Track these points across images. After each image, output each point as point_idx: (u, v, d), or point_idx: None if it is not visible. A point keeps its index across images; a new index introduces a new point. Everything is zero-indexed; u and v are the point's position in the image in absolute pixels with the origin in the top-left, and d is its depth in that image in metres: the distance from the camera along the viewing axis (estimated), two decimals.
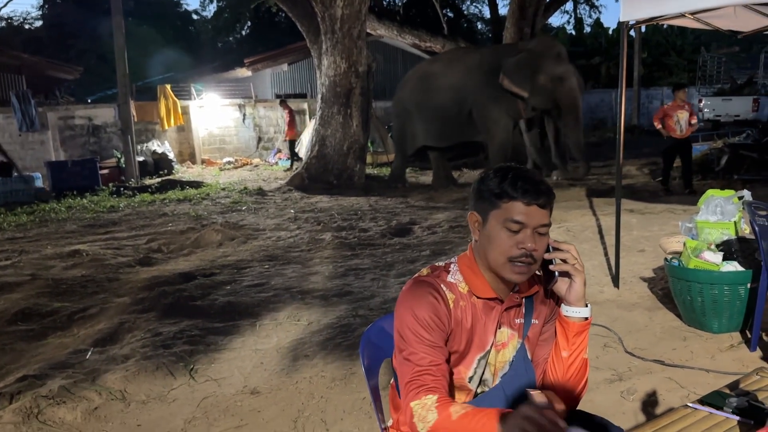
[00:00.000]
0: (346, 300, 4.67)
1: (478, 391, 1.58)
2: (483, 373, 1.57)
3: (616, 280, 4.79)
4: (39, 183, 12.20)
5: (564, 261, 1.48)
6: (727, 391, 1.47)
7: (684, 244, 3.79)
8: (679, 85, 8.83)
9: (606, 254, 5.63)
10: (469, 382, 1.56)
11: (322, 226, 7.58)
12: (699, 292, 3.61)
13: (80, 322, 4.38)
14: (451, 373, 1.53)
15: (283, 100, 16.05)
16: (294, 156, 15.52)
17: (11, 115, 14.24)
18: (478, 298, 1.53)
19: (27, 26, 32.40)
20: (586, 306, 1.53)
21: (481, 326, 1.53)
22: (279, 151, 17.80)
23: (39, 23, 32.71)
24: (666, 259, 3.99)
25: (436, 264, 1.61)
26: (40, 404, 3.04)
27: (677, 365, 3.28)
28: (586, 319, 1.53)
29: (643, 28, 22.54)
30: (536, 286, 1.59)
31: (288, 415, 3.00)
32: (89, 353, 3.77)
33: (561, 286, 1.51)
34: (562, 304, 1.54)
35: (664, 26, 22.19)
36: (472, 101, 10.42)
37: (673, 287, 3.87)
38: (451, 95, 10.52)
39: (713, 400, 1.41)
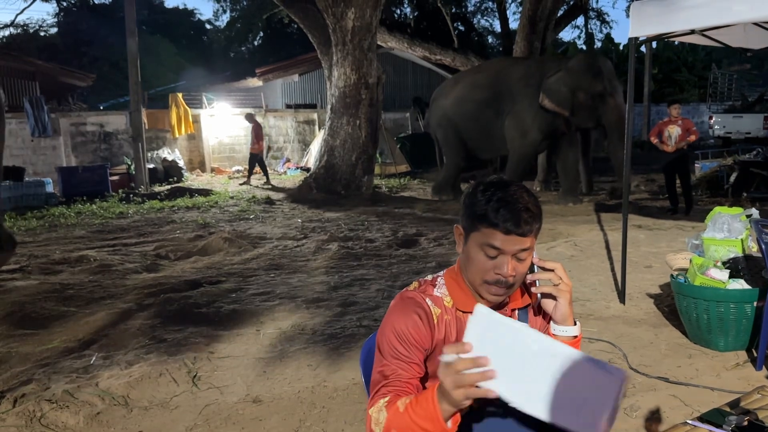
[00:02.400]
0: (350, 310, 4.67)
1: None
2: None
3: (622, 296, 4.76)
4: (50, 188, 12.30)
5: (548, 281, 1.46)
6: (728, 409, 1.46)
7: (690, 261, 3.78)
8: (673, 101, 8.85)
9: (613, 270, 5.61)
10: None
11: (328, 235, 7.60)
12: (705, 310, 3.59)
13: (86, 327, 4.40)
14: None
15: (250, 114, 15.62)
16: (252, 171, 14.83)
17: (24, 121, 14.41)
18: (462, 312, 1.52)
19: (42, 33, 32.76)
20: (575, 324, 1.51)
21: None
22: (288, 160, 17.88)
23: (54, 30, 33.08)
24: (672, 275, 3.97)
25: (426, 278, 1.61)
26: (43, 408, 3.05)
27: (682, 383, 3.26)
28: (575, 337, 1.51)
29: (654, 44, 22.56)
30: (528, 298, 1.58)
31: (289, 424, 3.00)
32: (93, 358, 3.78)
33: (548, 304, 1.50)
34: (551, 322, 1.53)
35: (675, 42, 22.19)
36: (507, 112, 10.41)
37: (679, 304, 3.85)
38: (496, 107, 10.49)
39: (713, 418, 1.40)
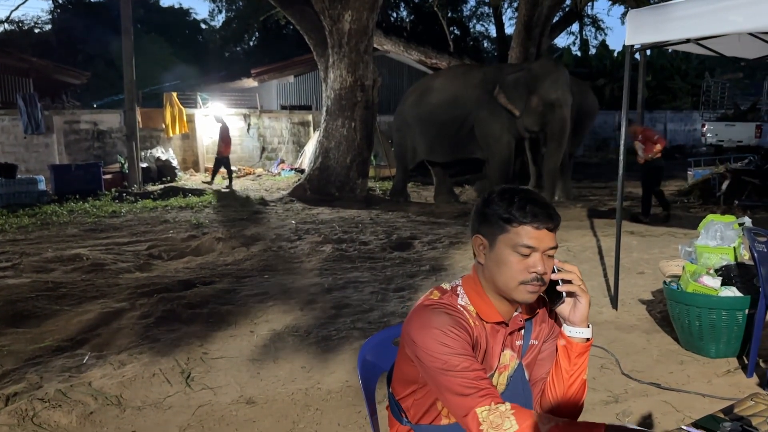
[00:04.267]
0: (344, 312, 4.67)
1: None
2: None
3: (614, 302, 4.79)
4: (42, 186, 12.23)
5: (569, 282, 1.49)
6: (722, 415, 1.47)
7: (683, 268, 3.81)
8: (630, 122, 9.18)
9: (605, 275, 5.64)
10: None
11: (322, 237, 7.59)
12: (697, 317, 3.62)
13: (78, 326, 4.38)
14: None
15: (219, 117, 15.67)
16: (216, 171, 14.78)
17: (17, 118, 14.33)
18: (485, 322, 1.52)
19: (37, 30, 32.64)
20: (588, 326, 1.54)
21: (490, 349, 1.53)
22: (282, 161, 17.86)
23: (48, 27, 32.95)
24: (665, 282, 4.00)
25: (443, 287, 1.58)
26: (36, 407, 3.04)
27: (673, 389, 3.28)
28: (588, 339, 1.54)
29: (648, 52, 22.68)
30: (535, 307, 1.59)
31: (283, 426, 3.00)
32: (86, 357, 3.77)
33: (564, 307, 1.51)
34: (565, 325, 1.54)
35: (669, 50, 22.32)
36: (474, 117, 10.47)
37: (672, 311, 3.88)
38: (453, 111, 10.56)
39: (707, 424, 1.41)
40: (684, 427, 1.43)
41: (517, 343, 1.58)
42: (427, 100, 11.02)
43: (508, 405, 1.33)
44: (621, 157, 4.72)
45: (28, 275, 5.79)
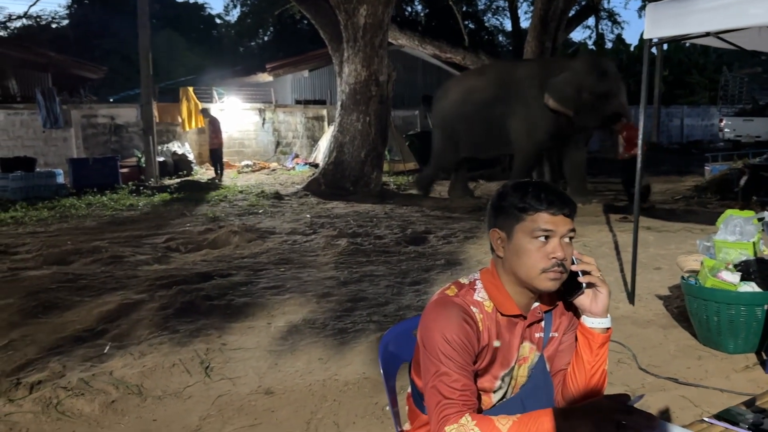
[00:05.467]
0: (360, 305, 4.70)
1: (496, 401, 1.61)
2: (507, 388, 1.60)
3: (631, 297, 4.78)
4: (60, 179, 12.39)
5: (589, 273, 1.50)
6: (743, 407, 1.48)
7: (701, 263, 3.79)
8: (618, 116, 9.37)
9: (622, 270, 5.62)
10: (493, 394, 1.59)
11: (337, 231, 7.63)
12: (715, 312, 3.60)
13: (99, 316, 4.44)
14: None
15: (205, 109, 15.67)
16: (217, 165, 14.86)
17: (36, 112, 14.51)
18: (503, 315, 1.53)
19: (54, 25, 32.94)
20: (608, 316, 1.55)
21: (506, 344, 1.55)
22: (297, 155, 17.93)
23: (66, 22, 33.23)
24: (683, 277, 3.98)
25: (461, 281, 1.60)
26: (60, 395, 3.10)
27: (691, 384, 3.27)
28: (608, 328, 1.56)
29: (665, 46, 22.46)
30: (555, 298, 1.60)
31: (301, 416, 3.03)
32: (107, 347, 3.83)
33: (583, 298, 1.53)
34: (585, 317, 1.55)
35: (687, 44, 22.10)
36: (510, 114, 10.42)
37: (690, 306, 3.86)
38: (497, 109, 10.49)
39: (729, 416, 1.42)
40: (706, 419, 1.44)
41: (537, 335, 1.59)
42: (472, 98, 10.89)
43: (469, 416, 1.36)
44: (639, 152, 4.70)
45: (48, 267, 5.87)
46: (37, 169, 12.63)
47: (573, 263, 1.50)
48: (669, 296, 4.85)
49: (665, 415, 2.92)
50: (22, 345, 3.87)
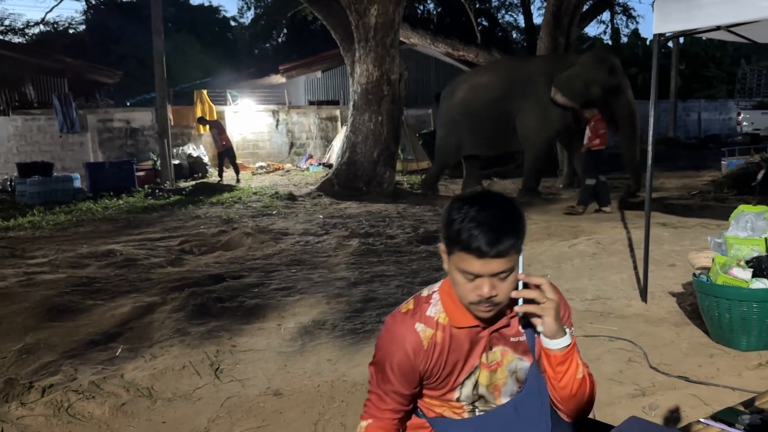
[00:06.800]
0: (370, 306, 4.71)
1: (479, 407, 1.60)
2: (475, 392, 1.58)
3: (644, 294, 4.73)
4: (77, 183, 12.54)
5: (531, 300, 1.45)
6: (742, 408, 1.46)
7: (713, 260, 3.74)
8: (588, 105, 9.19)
9: (635, 267, 5.56)
10: (458, 401, 1.59)
11: (349, 232, 7.64)
12: (727, 309, 3.56)
13: (111, 319, 4.50)
14: (443, 396, 1.59)
15: (201, 117, 15.68)
16: (222, 168, 14.94)
17: (53, 117, 14.71)
18: (458, 328, 1.52)
19: (71, 31, 33.36)
20: (565, 334, 1.49)
21: (464, 353, 1.54)
22: (311, 156, 17.99)
23: (82, 28, 33.64)
24: (694, 274, 3.93)
25: (422, 293, 1.60)
26: (71, 398, 3.14)
27: (702, 382, 3.23)
28: (567, 346, 1.49)
29: (681, 40, 22.21)
30: None
31: (309, 417, 3.04)
32: (119, 350, 3.87)
33: (536, 319, 1.48)
34: (541, 335, 1.50)
35: (704, 38, 21.88)
36: (519, 110, 10.38)
37: (701, 303, 3.82)
38: (503, 106, 10.46)
39: (726, 417, 1.40)
40: (702, 420, 1.42)
41: (515, 339, 1.56)
42: (477, 95, 10.88)
43: (369, 422, 1.57)
44: (650, 148, 4.65)
45: (63, 270, 5.95)
46: (55, 174, 12.79)
47: (519, 287, 1.44)
48: (683, 293, 4.79)
49: (675, 414, 2.90)
50: (36, 349, 3.93)
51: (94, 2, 33.72)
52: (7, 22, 30.21)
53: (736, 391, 3.10)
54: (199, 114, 16.39)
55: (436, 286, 1.60)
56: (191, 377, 3.50)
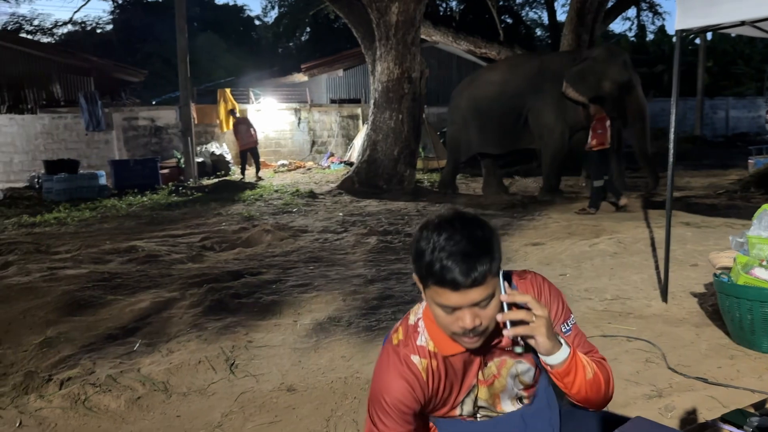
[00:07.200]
0: (386, 303, 4.70)
1: (480, 415, 1.57)
2: (476, 407, 1.55)
3: (664, 294, 4.65)
4: (103, 180, 12.74)
5: (520, 322, 1.36)
6: (751, 410, 1.43)
7: (734, 260, 3.67)
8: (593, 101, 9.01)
9: (657, 267, 5.48)
10: (460, 416, 1.56)
11: (368, 229, 7.65)
12: (748, 310, 3.48)
13: (131, 314, 4.56)
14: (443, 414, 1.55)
15: (232, 110, 15.95)
16: (243, 166, 15.10)
17: (79, 115, 14.96)
18: (447, 356, 1.47)
19: (98, 30, 33.89)
20: (561, 346, 1.41)
21: (459, 375, 1.50)
22: (332, 154, 18.04)
23: (109, 27, 34.16)
24: (715, 274, 3.86)
25: (409, 320, 1.53)
26: (87, 391, 3.19)
27: (721, 384, 3.17)
28: (566, 359, 1.42)
29: (709, 36, 21.82)
30: None
31: (321, 413, 3.05)
32: (137, 345, 3.92)
33: (528, 338, 1.40)
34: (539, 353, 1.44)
35: (732, 35, 21.44)
36: (529, 108, 10.29)
37: (722, 304, 3.74)
38: (510, 102, 10.39)
39: (734, 418, 1.37)
40: (710, 421, 1.39)
41: (509, 348, 1.47)
42: (484, 92, 10.87)
43: None
44: (671, 146, 4.57)
45: (86, 266, 6.04)
46: (80, 171, 13.02)
47: (504, 307, 1.37)
48: (704, 294, 4.70)
49: (691, 416, 2.85)
50: (57, 342, 3.99)
51: (120, 2, 34.23)
52: (36, 22, 30.85)
53: (756, 393, 3.03)
54: (222, 112, 16.54)
55: (420, 311, 1.52)
56: (206, 372, 3.53)
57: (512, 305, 1.37)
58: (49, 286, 5.21)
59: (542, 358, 1.43)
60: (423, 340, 1.47)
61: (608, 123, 8.65)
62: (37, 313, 4.53)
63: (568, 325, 1.55)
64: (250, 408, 3.12)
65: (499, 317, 1.34)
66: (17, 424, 2.94)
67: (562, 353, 1.41)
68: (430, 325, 1.46)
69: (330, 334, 4.12)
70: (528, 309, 1.36)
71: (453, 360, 1.47)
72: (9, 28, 29.10)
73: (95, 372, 3.45)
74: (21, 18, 30.49)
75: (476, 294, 1.28)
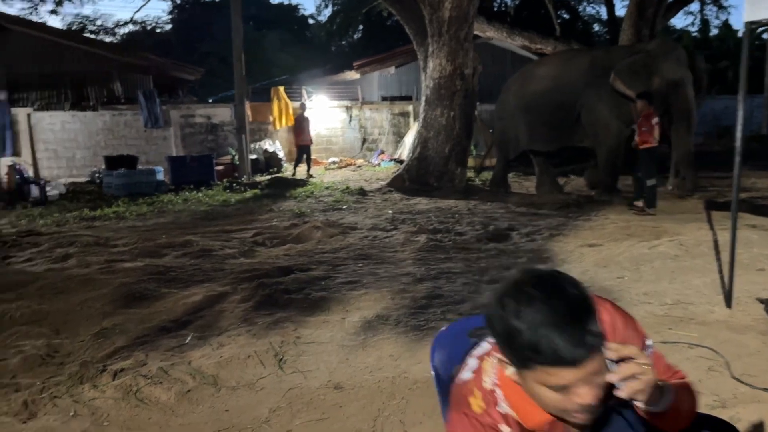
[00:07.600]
0: (435, 303, 4.64)
1: None
2: None
3: (728, 300, 4.43)
4: (160, 176, 13.08)
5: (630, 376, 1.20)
6: None
7: None
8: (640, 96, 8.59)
9: (720, 271, 5.23)
10: None
11: (417, 227, 7.59)
12: None
13: (184, 308, 4.63)
14: None
15: (303, 104, 16.11)
16: (298, 163, 15.17)
17: (138, 113, 15.41)
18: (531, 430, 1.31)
19: (158, 30, 34.89)
20: (665, 393, 1.27)
21: None
22: (382, 152, 18.04)
23: (169, 27, 35.13)
24: None
25: (482, 383, 1.36)
26: (139, 383, 3.24)
27: None
28: (670, 401, 1.29)
29: None
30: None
31: (368, 413, 3.02)
32: (189, 338, 3.98)
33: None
34: (641, 404, 1.27)
35: None
36: (582, 104, 10.00)
37: None
38: (559, 98, 10.14)
39: None
40: None
41: None
42: (532, 87, 10.67)
43: None
44: (737, 144, 4.35)
45: (142, 259, 6.20)
46: (139, 167, 13.41)
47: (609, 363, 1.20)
48: None
49: (758, 429, 2.68)
50: (112, 334, 4.09)
51: (179, 1, 35.14)
52: (98, 22, 32.00)
53: None
54: (276, 110, 16.77)
55: (493, 375, 1.34)
56: (255, 367, 3.55)
57: (617, 362, 1.19)
58: (106, 279, 5.37)
59: (647, 409, 1.27)
60: (504, 408, 1.32)
61: (655, 120, 8.33)
62: (94, 305, 4.66)
63: (647, 351, 1.37)
64: (297, 404, 3.12)
65: (613, 378, 1.17)
66: (71, 414, 3.02)
67: (666, 399, 1.27)
68: (511, 395, 1.30)
69: (378, 332, 4.08)
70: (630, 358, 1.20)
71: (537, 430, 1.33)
72: (74, 28, 30.26)
73: (147, 364, 3.52)
74: (85, 18, 31.71)
75: (595, 364, 1.13)
